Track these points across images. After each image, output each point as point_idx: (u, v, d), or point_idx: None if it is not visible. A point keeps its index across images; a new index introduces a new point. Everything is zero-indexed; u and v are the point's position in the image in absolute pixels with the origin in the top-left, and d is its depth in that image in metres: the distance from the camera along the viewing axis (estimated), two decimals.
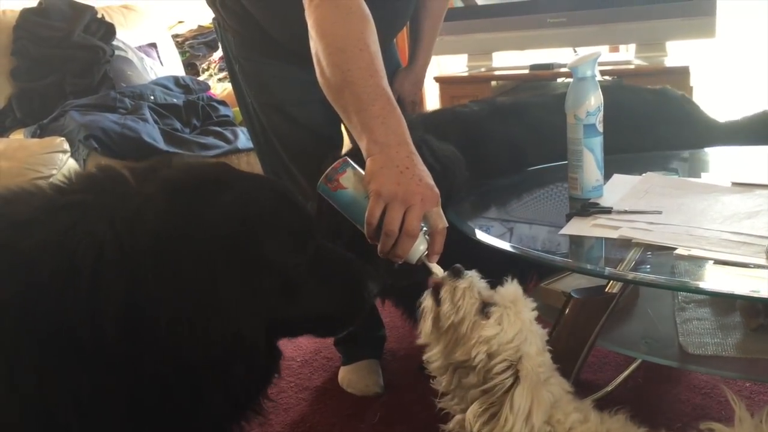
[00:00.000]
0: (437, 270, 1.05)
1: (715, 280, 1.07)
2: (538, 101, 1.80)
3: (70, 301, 0.83)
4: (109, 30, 3.15)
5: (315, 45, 1.17)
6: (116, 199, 0.89)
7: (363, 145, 1.08)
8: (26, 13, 3.04)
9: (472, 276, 1.01)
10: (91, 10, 3.15)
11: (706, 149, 1.87)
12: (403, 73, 1.80)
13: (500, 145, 1.68)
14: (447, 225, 1.06)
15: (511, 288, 0.99)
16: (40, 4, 3.07)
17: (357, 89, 1.09)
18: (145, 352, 0.85)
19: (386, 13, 1.56)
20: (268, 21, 1.53)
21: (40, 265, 0.83)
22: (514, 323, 0.95)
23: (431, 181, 1.05)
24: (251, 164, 1.87)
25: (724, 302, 1.35)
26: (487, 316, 0.95)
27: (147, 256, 0.84)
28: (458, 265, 1.02)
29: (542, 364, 0.96)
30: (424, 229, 1.05)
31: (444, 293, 0.99)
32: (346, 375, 1.89)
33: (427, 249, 1.05)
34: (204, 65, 3.89)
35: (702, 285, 1.08)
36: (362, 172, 1.07)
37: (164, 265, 0.85)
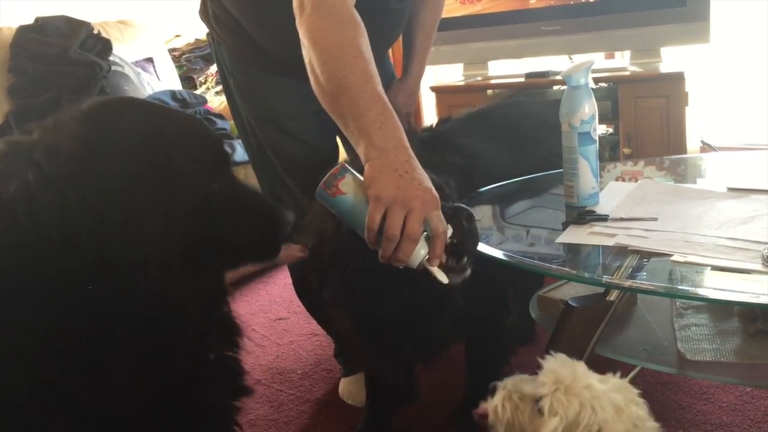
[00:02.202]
0: (438, 274, 1.05)
1: (712, 286, 1.08)
2: (455, 126, 1.80)
3: (19, 243, 0.88)
4: (105, 45, 3.16)
5: (308, 53, 1.17)
6: (31, 148, 0.94)
7: (361, 151, 1.08)
8: (23, 30, 3.04)
9: (507, 384, 0.98)
10: (87, 26, 3.15)
11: (703, 155, 1.87)
12: (398, 85, 1.80)
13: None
14: (447, 228, 1.06)
15: (552, 367, 0.94)
16: (36, 21, 3.08)
17: (353, 95, 1.10)
18: (91, 264, 0.90)
19: (380, 25, 1.56)
20: (260, 35, 1.53)
21: None
22: (571, 404, 0.90)
23: (430, 185, 1.06)
24: (248, 177, 1.87)
25: (722, 308, 1.35)
26: (541, 411, 0.91)
27: (66, 172, 0.90)
28: (493, 383, 1.01)
29: (627, 420, 0.90)
30: (425, 233, 1.05)
31: (491, 421, 0.97)
32: (346, 387, 1.89)
33: (428, 253, 1.05)
34: (201, 79, 3.89)
35: (699, 292, 1.09)
36: (361, 177, 1.07)
37: (85, 178, 0.90)
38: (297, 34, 1.19)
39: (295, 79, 1.25)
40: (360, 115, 1.09)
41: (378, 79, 1.13)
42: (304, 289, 1.82)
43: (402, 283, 1.21)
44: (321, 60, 1.14)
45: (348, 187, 1.07)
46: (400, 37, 1.81)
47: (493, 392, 0.99)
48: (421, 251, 1.05)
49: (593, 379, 0.93)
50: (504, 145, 1.70)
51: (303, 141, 1.60)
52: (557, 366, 0.94)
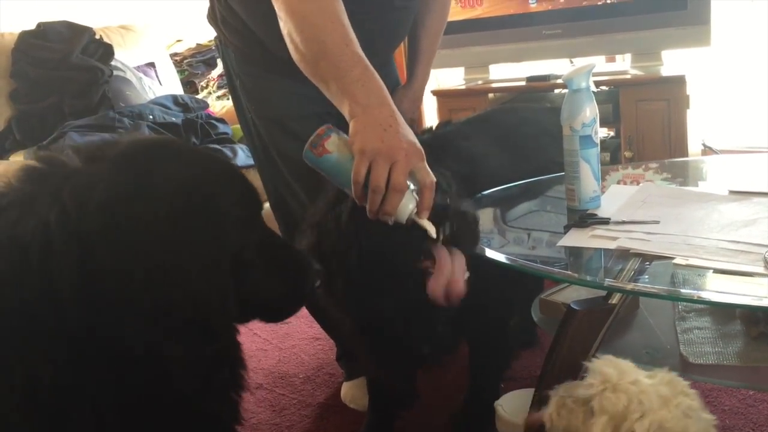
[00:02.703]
0: (428, 226, 1.08)
1: (714, 289, 1.08)
2: (455, 129, 1.80)
3: (24, 286, 0.83)
4: (107, 50, 3.17)
5: (286, 24, 1.20)
6: (61, 180, 0.88)
7: (345, 110, 1.11)
8: (25, 36, 3.06)
9: (560, 390, 0.99)
10: (89, 31, 3.17)
11: (704, 158, 1.87)
12: (402, 91, 1.81)
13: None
14: (435, 180, 1.09)
15: (599, 367, 0.95)
16: (38, 26, 3.09)
17: (334, 58, 1.14)
18: (108, 319, 0.85)
19: (386, 25, 1.57)
20: (266, 34, 1.54)
21: None
22: (619, 399, 0.90)
23: (415, 139, 1.09)
24: (251, 181, 1.89)
25: (724, 311, 1.34)
26: (593, 412, 0.92)
27: (95, 224, 0.85)
28: (545, 393, 1.02)
29: (675, 409, 0.90)
30: (412, 187, 1.08)
31: (548, 430, 0.98)
32: (348, 391, 1.89)
33: (417, 206, 1.08)
34: (203, 83, 3.90)
35: (702, 295, 1.08)
36: (347, 137, 1.09)
37: (113, 229, 0.85)
38: None
39: (299, 81, 1.27)
40: (342, 76, 1.12)
41: (357, 43, 1.16)
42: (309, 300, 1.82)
43: (403, 278, 1.21)
44: (299, 28, 1.17)
45: (334, 146, 1.09)
46: (405, 43, 1.81)
47: (545, 401, 1.00)
48: (409, 205, 1.07)
49: (640, 375, 0.94)
50: (503, 150, 1.71)
51: (304, 141, 1.61)
52: (603, 366, 0.95)
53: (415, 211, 1.08)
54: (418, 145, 1.08)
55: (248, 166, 2.61)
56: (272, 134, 1.64)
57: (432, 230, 1.08)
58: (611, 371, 0.94)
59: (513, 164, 1.68)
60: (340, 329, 1.56)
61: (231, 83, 1.71)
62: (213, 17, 1.66)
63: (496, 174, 1.63)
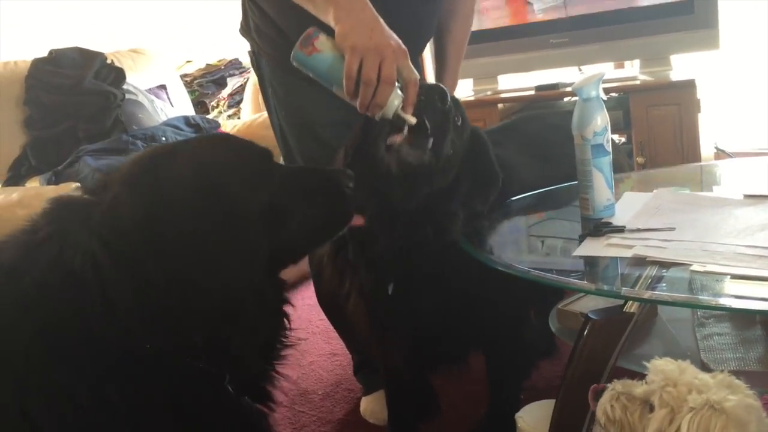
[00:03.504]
0: (411, 120, 1.18)
1: (733, 294, 1.07)
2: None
3: (90, 317, 0.88)
4: (119, 74, 3.21)
5: None
6: (85, 215, 0.93)
7: (330, 17, 1.20)
8: (37, 63, 3.10)
9: (616, 385, 1.00)
10: (100, 56, 3.21)
11: (717, 162, 1.86)
12: None
13: None
14: (419, 77, 1.19)
15: (659, 366, 0.96)
16: (50, 53, 3.13)
17: None
18: (169, 329, 0.91)
19: (410, 23, 1.58)
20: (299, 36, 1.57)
21: (46, 300, 0.88)
22: (681, 393, 0.91)
23: (398, 39, 1.18)
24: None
25: (744, 316, 1.33)
26: (652, 408, 0.93)
27: (136, 247, 0.90)
28: (596, 385, 1.03)
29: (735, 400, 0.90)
30: (397, 84, 1.17)
31: (601, 421, 0.98)
32: (368, 405, 1.88)
33: (402, 101, 1.18)
34: (213, 103, 3.93)
35: (721, 301, 1.08)
36: (333, 39, 1.18)
37: (153, 247, 0.91)
38: None
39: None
40: None
41: None
42: (327, 301, 1.83)
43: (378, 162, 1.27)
44: None
45: (323, 45, 1.17)
46: (431, 53, 1.84)
47: (596, 395, 1.01)
48: (395, 101, 1.17)
49: (701, 374, 0.95)
50: (534, 157, 1.71)
51: (333, 149, 1.62)
52: (664, 365, 0.96)
53: (401, 106, 1.17)
54: (402, 44, 1.18)
55: None
56: (300, 140, 1.67)
57: (412, 120, 1.18)
58: (673, 368, 0.95)
59: (544, 170, 1.68)
60: (356, 328, 1.56)
61: (264, 92, 1.75)
62: (246, 29, 1.70)
63: (528, 180, 1.63)
